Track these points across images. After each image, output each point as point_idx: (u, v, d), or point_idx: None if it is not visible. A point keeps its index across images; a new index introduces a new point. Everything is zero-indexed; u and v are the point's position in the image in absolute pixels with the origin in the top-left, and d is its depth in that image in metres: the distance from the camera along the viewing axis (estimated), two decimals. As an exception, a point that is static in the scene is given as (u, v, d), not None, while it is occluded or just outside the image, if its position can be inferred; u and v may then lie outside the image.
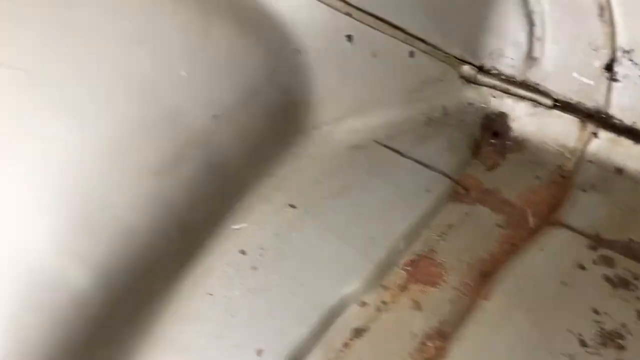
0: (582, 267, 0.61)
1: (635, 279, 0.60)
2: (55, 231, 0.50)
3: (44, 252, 0.49)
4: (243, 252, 0.61)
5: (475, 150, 0.72)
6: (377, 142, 0.70)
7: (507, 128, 0.74)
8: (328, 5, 0.66)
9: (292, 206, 0.64)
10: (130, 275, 0.53)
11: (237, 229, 0.62)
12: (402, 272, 0.62)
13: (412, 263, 0.62)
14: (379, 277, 0.60)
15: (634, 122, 0.70)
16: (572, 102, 0.73)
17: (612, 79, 0.69)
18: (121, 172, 0.54)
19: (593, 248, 0.63)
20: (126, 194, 0.54)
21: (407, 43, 0.70)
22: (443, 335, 0.56)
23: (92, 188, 0.53)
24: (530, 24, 0.72)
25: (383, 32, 0.68)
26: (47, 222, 0.50)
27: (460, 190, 0.68)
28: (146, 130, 0.56)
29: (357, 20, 0.67)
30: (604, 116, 0.71)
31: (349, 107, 0.70)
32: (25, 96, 0.54)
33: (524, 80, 0.74)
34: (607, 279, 0.60)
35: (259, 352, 0.54)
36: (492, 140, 0.73)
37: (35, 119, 0.53)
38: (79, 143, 0.53)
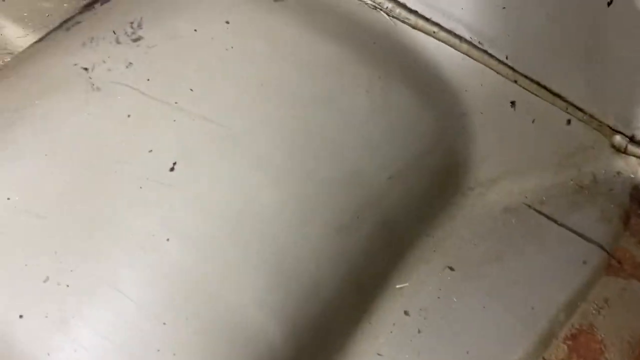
0: None
1: None
2: (256, 286, 0.52)
3: (247, 307, 0.51)
4: (407, 313, 0.62)
5: (626, 221, 0.72)
6: (528, 205, 0.71)
7: (657, 201, 0.74)
8: (497, 72, 0.67)
9: (451, 269, 0.65)
10: (313, 332, 0.55)
11: (399, 289, 0.63)
12: (564, 345, 0.62)
13: (573, 337, 0.62)
14: (540, 349, 0.61)
15: None
16: None
17: None
18: (310, 228, 0.56)
19: None
20: (314, 250, 0.56)
21: (565, 111, 0.70)
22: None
23: (286, 243, 0.54)
24: (688, 99, 0.72)
25: (545, 100, 0.69)
26: (249, 277, 0.52)
27: (614, 263, 0.68)
28: (332, 189, 0.58)
29: (523, 88, 0.68)
30: None
31: (504, 170, 0.70)
32: (224, 151, 0.56)
33: (676, 154, 0.74)
34: None
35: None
36: (641, 212, 0.73)
37: (235, 174, 0.55)
38: (274, 200, 0.55)
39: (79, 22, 0.67)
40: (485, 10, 0.66)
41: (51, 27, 0.80)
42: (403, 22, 0.66)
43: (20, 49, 0.80)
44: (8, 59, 0.78)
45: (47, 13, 0.82)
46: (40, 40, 0.69)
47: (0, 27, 0.81)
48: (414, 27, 0.66)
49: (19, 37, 0.80)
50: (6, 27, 0.81)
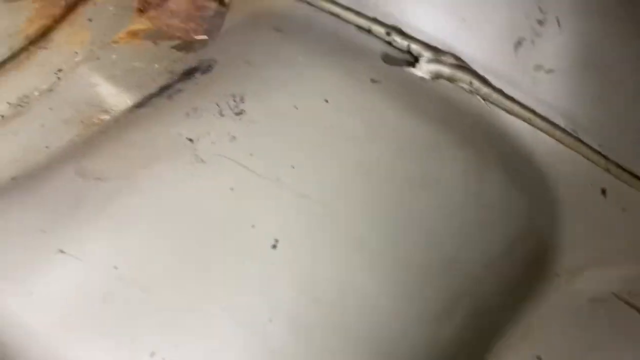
0: None
1: None
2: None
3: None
4: (496, 405, 0.60)
5: None
6: (617, 296, 0.69)
7: None
8: (590, 160, 0.67)
9: (539, 358, 0.64)
10: None
11: (489, 378, 0.62)
12: None
13: None
14: None
15: None
16: None
17: None
18: (406, 317, 0.56)
19: None
20: (410, 340, 0.55)
21: (656, 201, 0.70)
22: None
23: (383, 330, 0.54)
24: None
25: (637, 189, 0.69)
26: (347, 365, 0.52)
27: None
28: (428, 276, 0.58)
29: (614, 176, 0.68)
30: None
31: (592, 257, 0.69)
32: (324, 231, 0.57)
33: None
34: None
35: None
36: None
37: (334, 256, 0.56)
38: (371, 284, 0.55)
39: (180, 91, 0.69)
40: (580, 99, 0.67)
41: (143, 86, 0.84)
42: (499, 107, 0.67)
43: (114, 107, 0.83)
44: (103, 116, 0.81)
45: (139, 73, 0.86)
46: (140, 105, 0.71)
47: (94, 85, 0.85)
48: (510, 113, 0.67)
49: (112, 95, 0.83)
50: (100, 85, 0.84)
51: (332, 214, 0.58)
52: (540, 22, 0.65)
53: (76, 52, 0.91)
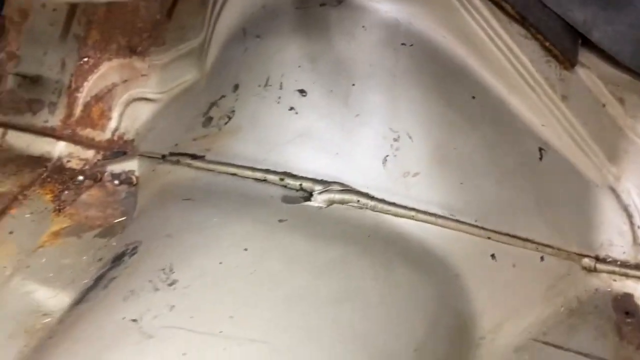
0: None
1: None
2: None
3: None
4: None
5: (618, 331, 0.81)
6: (535, 339, 0.80)
7: (637, 307, 0.85)
8: (472, 234, 0.80)
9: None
10: None
11: None
12: None
13: None
14: None
15: None
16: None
17: None
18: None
19: None
20: None
21: (537, 250, 0.83)
22: None
23: None
24: (629, 215, 0.87)
25: (517, 246, 0.82)
26: None
27: (623, 374, 0.77)
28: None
29: (496, 241, 0.81)
30: None
31: (503, 314, 0.80)
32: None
33: (638, 263, 0.87)
34: None
35: None
36: (628, 320, 0.83)
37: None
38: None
39: (113, 278, 0.76)
40: (448, 188, 0.81)
41: (76, 280, 0.89)
42: (386, 213, 0.79)
43: (55, 308, 0.87)
44: (45, 320, 0.85)
45: (70, 269, 0.91)
46: (79, 301, 0.77)
47: (30, 292, 0.89)
48: (396, 215, 0.79)
49: (50, 297, 0.88)
50: (36, 291, 0.88)
51: (276, 348, 0.65)
52: (396, 139, 0.81)
53: (5, 267, 0.96)
